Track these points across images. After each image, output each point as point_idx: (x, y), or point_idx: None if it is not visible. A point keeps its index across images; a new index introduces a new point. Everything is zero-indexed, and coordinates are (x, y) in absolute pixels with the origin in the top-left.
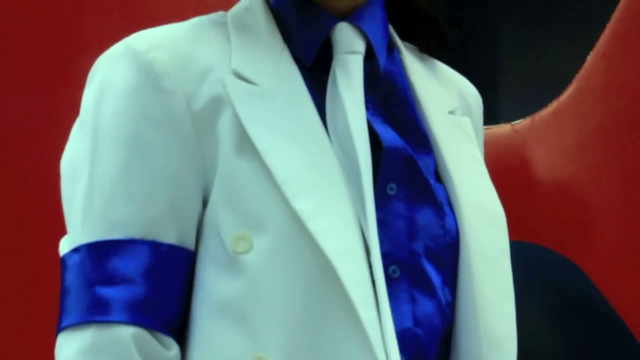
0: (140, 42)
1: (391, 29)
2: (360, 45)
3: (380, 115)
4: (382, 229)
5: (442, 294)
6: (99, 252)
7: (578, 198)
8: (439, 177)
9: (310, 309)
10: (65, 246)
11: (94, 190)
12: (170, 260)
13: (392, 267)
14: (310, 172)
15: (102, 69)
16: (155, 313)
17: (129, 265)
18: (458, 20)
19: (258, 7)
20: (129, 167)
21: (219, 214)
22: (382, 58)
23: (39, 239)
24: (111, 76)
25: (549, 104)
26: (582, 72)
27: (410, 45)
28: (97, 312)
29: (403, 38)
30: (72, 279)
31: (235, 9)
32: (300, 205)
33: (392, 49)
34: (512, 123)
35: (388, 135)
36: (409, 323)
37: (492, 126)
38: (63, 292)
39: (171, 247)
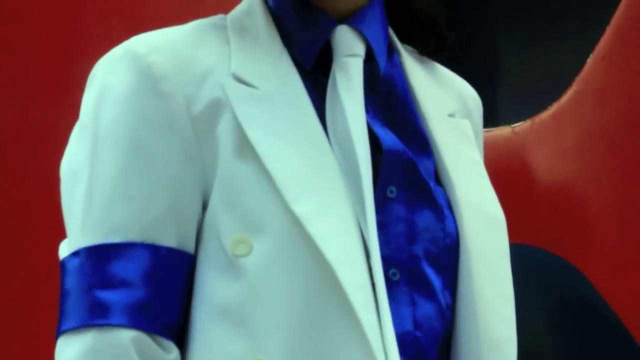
0: (139, 46)
1: (391, 32)
2: (360, 48)
3: (380, 118)
4: (382, 231)
5: (443, 296)
6: (98, 255)
7: (578, 200)
8: (438, 180)
9: (310, 312)
10: (64, 250)
11: (94, 194)
12: (170, 263)
13: (392, 270)
14: (310, 175)
15: (101, 72)
16: (155, 316)
17: (128, 268)
18: (458, 22)
19: (258, 10)
20: (129, 170)
21: (219, 217)
22: (382, 61)
23: (38, 242)
24: (111, 79)
25: (549, 107)
26: (582, 74)
27: (410, 48)
28: (97, 316)
29: (403, 40)
30: (71, 282)
31: (234, 11)
32: (300, 208)
33: (392, 51)
34: (512, 125)
35: (388, 138)
36: (409, 326)
37: (492, 129)
38: (63, 295)
39: (171, 251)
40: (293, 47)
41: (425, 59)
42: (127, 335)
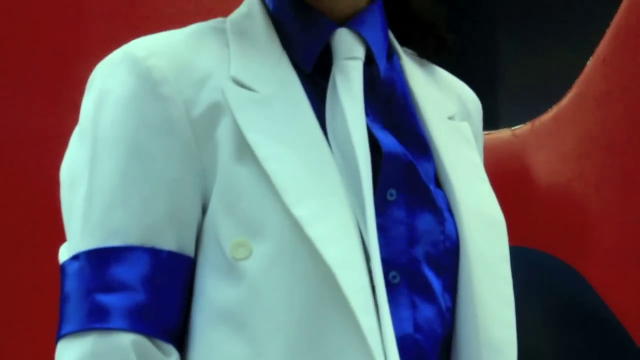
0: (139, 49)
1: (391, 35)
2: (360, 51)
3: (380, 121)
4: (382, 234)
5: (443, 299)
6: (98, 259)
7: (578, 203)
8: (438, 183)
9: (310, 316)
10: (64, 253)
11: (94, 198)
12: (169, 267)
13: (392, 273)
14: (310, 179)
15: (101, 76)
16: (155, 320)
17: (128, 272)
18: (457, 25)
19: (257, 13)
20: (128, 174)
21: (219, 221)
22: (382, 64)
23: (38, 246)
24: (110, 83)
25: (549, 110)
26: (582, 77)
27: (410, 51)
28: (96, 320)
29: (402, 43)
30: (71, 286)
31: (234, 15)
32: (300, 211)
33: (391, 54)
34: (512, 128)
35: (388, 141)
36: (409, 329)
37: (492, 131)
38: (62, 299)
39: (171, 254)
40: (293, 50)
41: (425, 61)
42: (127, 339)
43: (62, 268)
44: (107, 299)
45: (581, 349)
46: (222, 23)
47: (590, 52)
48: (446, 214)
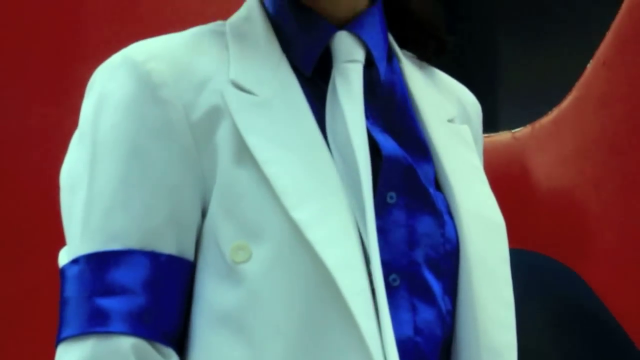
0: (138, 53)
1: (390, 37)
2: (360, 54)
3: (380, 124)
4: (382, 237)
5: (443, 302)
6: (98, 263)
7: (578, 206)
8: (438, 186)
9: (310, 319)
10: (64, 257)
11: (93, 202)
12: (169, 270)
13: (392, 276)
14: (309, 182)
15: (100, 80)
16: (155, 323)
17: (128, 276)
18: (457, 27)
19: (257, 17)
20: (128, 178)
21: (218, 224)
22: (381, 66)
23: (38, 250)
24: (110, 87)
25: (550, 112)
26: (583, 80)
27: (409, 54)
28: (96, 323)
29: (402, 46)
30: (71, 290)
31: (233, 18)
32: (299, 214)
33: (391, 57)
34: (513, 131)
35: (388, 144)
36: (409, 332)
37: (493, 134)
38: (62, 303)
39: (170, 258)
40: (292, 54)
41: (425, 64)
42: (127, 343)
43: (62, 272)
44: (107, 303)
45: (581, 351)
46: (221, 26)
47: (590, 55)
48: (446, 217)
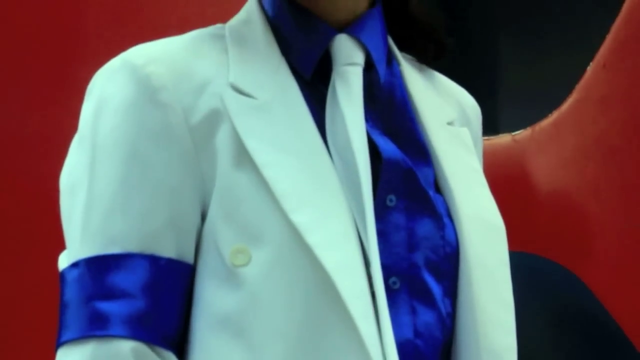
0: (137, 56)
1: (390, 40)
2: (359, 57)
3: (380, 127)
4: (382, 240)
5: (443, 305)
6: (97, 266)
7: (578, 208)
8: (438, 188)
9: (310, 322)
10: (64, 261)
11: (93, 205)
12: (169, 274)
13: (392, 279)
14: (309, 185)
15: (100, 84)
16: (155, 327)
17: (128, 279)
18: (457, 30)
19: (256, 20)
20: (128, 181)
21: (218, 228)
22: (381, 69)
23: (38, 254)
24: (109, 90)
25: (550, 115)
26: (583, 82)
27: (409, 57)
28: (96, 327)
29: (401, 48)
30: (71, 293)
31: (233, 21)
32: (299, 217)
33: (391, 60)
34: (513, 133)
35: (387, 147)
36: (409, 334)
37: (493, 137)
38: (62, 307)
39: (170, 261)
40: (292, 57)
41: (425, 67)
42: (127, 346)
43: (62, 275)
44: (107, 306)
45: (581, 353)
46: (221, 29)
47: (590, 57)
48: (446, 220)
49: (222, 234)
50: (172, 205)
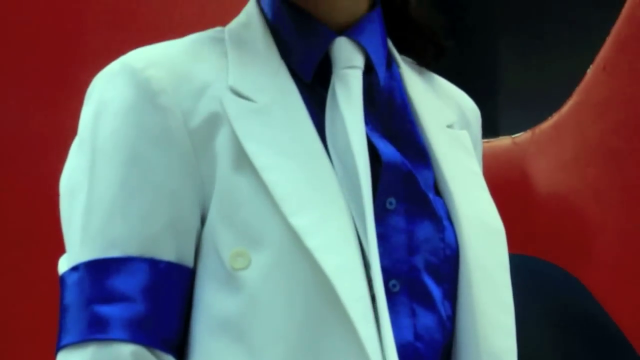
0: (137, 60)
1: (390, 43)
2: (359, 60)
3: (379, 130)
4: (382, 243)
5: (443, 307)
6: (97, 270)
7: (578, 211)
8: (438, 191)
9: (309, 325)
10: (64, 265)
11: (93, 209)
12: (169, 277)
13: (392, 282)
14: (308, 188)
15: (99, 87)
16: (155, 330)
17: (127, 283)
18: (457, 32)
19: (256, 23)
20: (128, 184)
21: (217, 231)
22: (381, 72)
23: (38, 257)
24: (109, 94)
25: (550, 117)
26: (583, 85)
27: (409, 59)
28: (96, 330)
29: (401, 51)
30: (71, 297)
31: (232, 24)
32: (298, 221)
33: (390, 63)
34: (513, 136)
35: (387, 150)
36: (409, 337)
37: (493, 139)
38: (62, 310)
39: (170, 265)
40: (291, 60)
41: (424, 70)
42: (127, 350)
43: (62, 279)
44: (107, 310)
45: (581, 356)
46: (220, 33)
47: (590, 60)
48: (446, 222)
49: (221, 237)
50: (172, 208)
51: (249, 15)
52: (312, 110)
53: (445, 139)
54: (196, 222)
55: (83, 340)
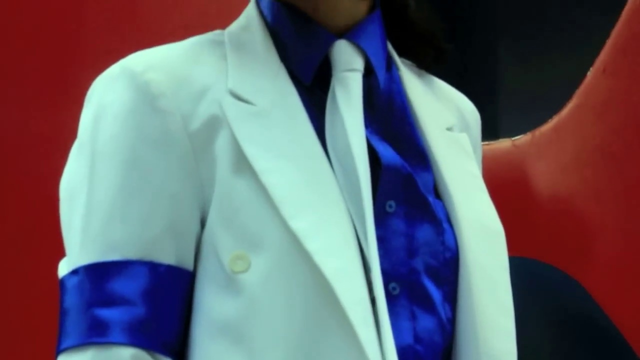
0: (136, 63)
1: (389, 46)
2: (359, 63)
3: (379, 132)
4: (382, 246)
5: (443, 310)
6: (97, 273)
7: (578, 213)
8: (437, 194)
9: (309, 328)
10: (64, 268)
11: (92, 212)
12: (168, 280)
13: (392, 284)
14: (308, 191)
15: (99, 91)
16: (155, 334)
17: (127, 286)
18: (457, 35)
19: (255, 26)
20: (127, 188)
21: (217, 234)
22: (381, 75)
23: (38, 255)
24: (108, 97)
25: (550, 120)
26: (583, 87)
27: (408, 62)
28: (96, 334)
29: (400, 54)
30: (71, 300)
31: (232, 27)
32: (298, 224)
33: (390, 65)
34: (513, 138)
35: (387, 153)
36: (409, 340)
37: (493, 142)
38: (62, 314)
39: (170, 268)
40: (291, 63)
41: (424, 72)
42: (127, 353)
43: (62, 283)
44: (107, 313)
45: (581, 359)
46: (220, 36)
47: (590, 63)
48: (445, 225)
49: (221, 241)
50: (172, 211)
51: (249, 18)
52: (312, 113)
53: (444, 142)
54: (196, 226)
55: (83, 343)
